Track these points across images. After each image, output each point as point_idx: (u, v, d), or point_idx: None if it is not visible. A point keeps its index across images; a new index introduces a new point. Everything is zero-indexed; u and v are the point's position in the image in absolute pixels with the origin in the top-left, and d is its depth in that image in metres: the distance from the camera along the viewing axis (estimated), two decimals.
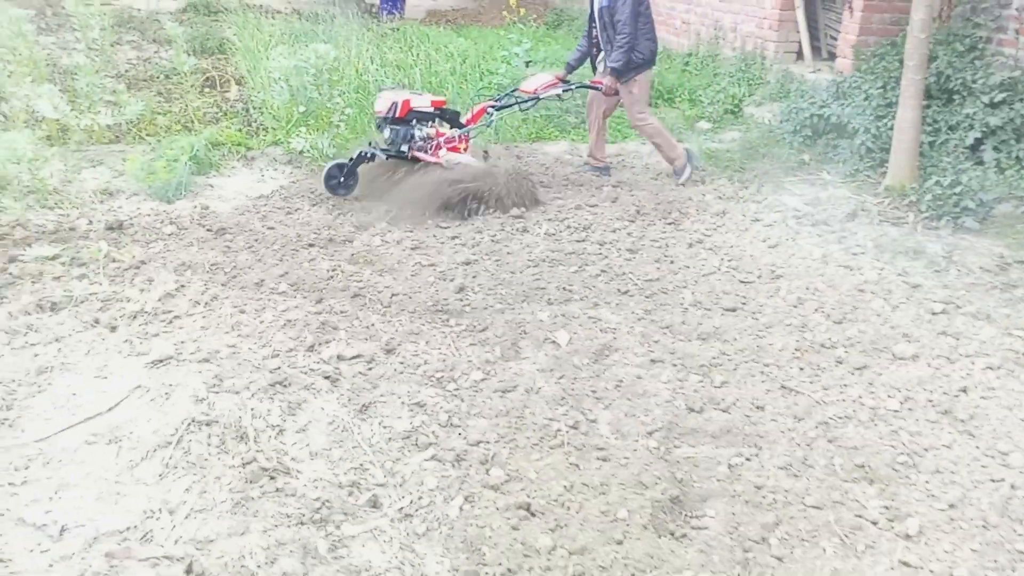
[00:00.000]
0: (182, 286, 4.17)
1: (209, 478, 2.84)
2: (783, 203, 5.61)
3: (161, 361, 3.53)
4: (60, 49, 8.63)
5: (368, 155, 5.51)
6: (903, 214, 5.32)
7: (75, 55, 7.36)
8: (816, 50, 8.41)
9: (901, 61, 5.78)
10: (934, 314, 4.11)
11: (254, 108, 7.26)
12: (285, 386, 3.38)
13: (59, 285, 4.09)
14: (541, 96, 5.94)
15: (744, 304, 4.21)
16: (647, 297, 4.29)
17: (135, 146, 6.26)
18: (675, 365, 3.65)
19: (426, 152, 5.53)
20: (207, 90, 7.85)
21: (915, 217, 5.25)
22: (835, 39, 8.01)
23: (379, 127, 5.62)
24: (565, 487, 2.84)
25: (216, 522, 2.64)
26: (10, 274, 4.17)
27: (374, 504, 2.76)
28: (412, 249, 4.84)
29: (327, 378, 3.46)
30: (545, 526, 2.66)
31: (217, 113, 7.23)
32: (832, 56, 8.12)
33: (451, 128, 5.69)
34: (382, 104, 5.55)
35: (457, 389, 3.44)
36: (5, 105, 6.68)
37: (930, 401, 3.39)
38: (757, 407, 3.34)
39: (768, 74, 8.18)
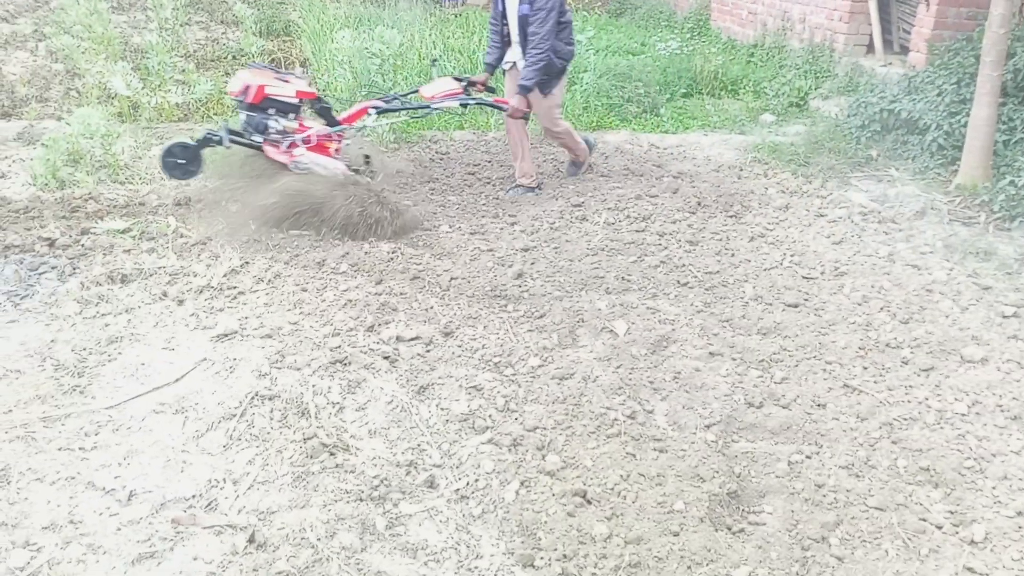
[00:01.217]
0: (246, 263, 4.25)
1: (271, 451, 2.89)
2: (849, 199, 5.49)
3: (226, 335, 3.60)
4: (132, 28, 8.83)
5: (217, 139, 4.69)
6: (974, 214, 5.17)
7: (147, 34, 7.52)
8: (888, 43, 8.20)
9: (977, 57, 5.60)
10: (1005, 317, 3.99)
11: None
12: (345, 364, 3.43)
13: (129, 258, 4.19)
14: (434, 107, 5.25)
15: (806, 300, 4.14)
16: (707, 290, 4.25)
17: (202, 124, 6.38)
18: (734, 359, 3.60)
19: (278, 147, 4.74)
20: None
21: (987, 217, 5.10)
22: (908, 33, 7.79)
23: (238, 109, 4.91)
24: (621, 476, 2.83)
25: (278, 494, 2.69)
26: (82, 246, 4.29)
27: (431, 484, 2.79)
28: (471, 234, 4.85)
29: (386, 358, 3.50)
30: (601, 514, 2.66)
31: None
32: (904, 50, 7.91)
33: (325, 124, 4.96)
34: (235, 84, 4.77)
35: (514, 374, 3.45)
36: (79, 81, 6.88)
37: (999, 406, 3.30)
38: (818, 405, 3.29)
39: (836, 67, 8.00)
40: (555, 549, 2.51)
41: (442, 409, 3.20)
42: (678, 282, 4.32)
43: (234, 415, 3.07)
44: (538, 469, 2.87)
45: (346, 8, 9.85)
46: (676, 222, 5.09)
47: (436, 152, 6.33)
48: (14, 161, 5.44)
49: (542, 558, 2.48)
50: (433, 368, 3.46)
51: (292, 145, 4.74)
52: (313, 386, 3.26)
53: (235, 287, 4.01)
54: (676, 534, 2.57)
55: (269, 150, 4.71)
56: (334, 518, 2.59)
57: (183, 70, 6.87)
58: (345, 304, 3.90)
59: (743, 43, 9.70)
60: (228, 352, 3.48)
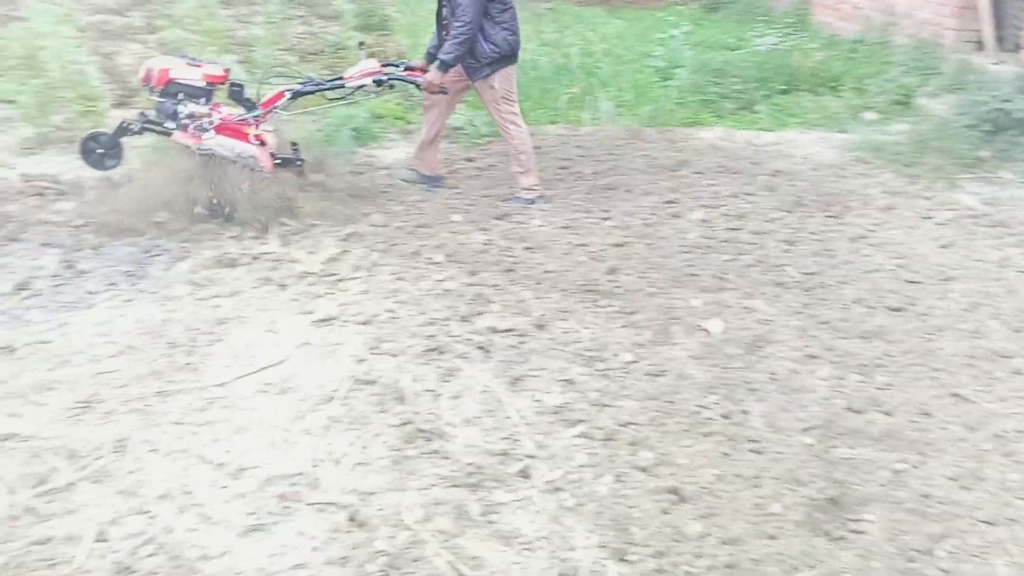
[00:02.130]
0: (345, 251, 4.36)
1: (369, 435, 2.97)
2: (957, 201, 5.29)
3: (325, 321, 3.70)
4: (237, 22, 9.13)
5: (133, 127, 4.65)
6: None
7: (252, 28, 7.76)
8: (1000, 40, 7.84)
9: None
10: None
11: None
12: (440, 353, 3.49)
13: (236, 244, 4.35)
14: (348, 85, 5.02)
15: (911, 305, 4.01)
16: (805, 291, 4.15)
17: (301, 116, 6.55)
18: (834, 362, 3.52)
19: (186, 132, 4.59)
20: None
21: None
22: (1022, 30, 7.44)
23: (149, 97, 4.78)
24: (716, 476, 2.80)
25: (376, 476, 2.76)
26: (193, 232, 4.46)
27: (524, 474, 2.82)
28: (563, 228, 4.86)
29: (480, 348, 3.54)
30: (696, 512, 2.64)
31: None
32: (1018, 47, 7.55)
33: (245, 110, 4.79)
34: (142, 71, 4.68)
35: (607, 369, 3.45)
36: None
37: None
38: (924, 413, 3.18)
39: (944, 64, 7.69)
40: (648, 545, 2.51)
41: (535, 401, 3.22)
42: (775, 282, 4.24)
43: (333, 398, 3.16)
44: (631, 464, 2.86)
45: None
46: (773, 221, 4.99)
47: None
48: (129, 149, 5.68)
49: (635, 553, 2.48)
50: (526, 360, 3.48)
51: (199, 128, 4.58)
52: (410, 373, 3.33)
53: (334, 274, 4.12)
54: (773, 537, 2.53)
55: (177, 135, 4.58)
56: (431, 502, 2.64)
57: (285, 63, 7.07)
58: (440, 294, 3.97)
59: (845, 38, 9.42)
60: (328, 337, 3.58)
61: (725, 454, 2.92)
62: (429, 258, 4.33)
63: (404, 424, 3.01)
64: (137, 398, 3.06)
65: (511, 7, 5.04)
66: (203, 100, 4.62)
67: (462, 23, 4.84)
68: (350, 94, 5.13)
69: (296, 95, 4.93)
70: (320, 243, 4.43)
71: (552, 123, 6.90)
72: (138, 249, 4.24)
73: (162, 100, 4.60)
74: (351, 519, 2.54)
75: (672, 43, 7.93)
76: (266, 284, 3.99)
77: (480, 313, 3.81)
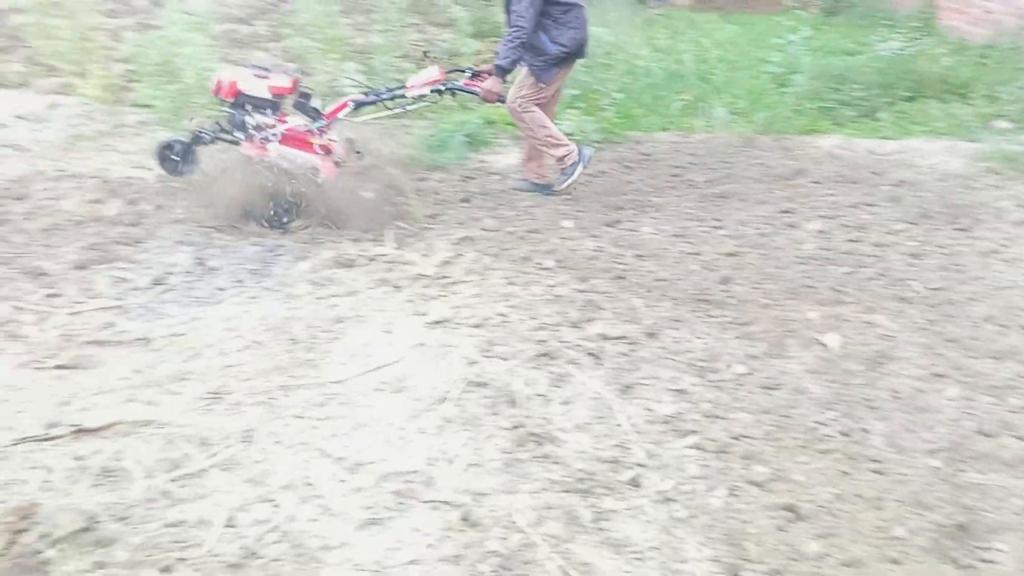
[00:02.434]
0: (458, 255, 4.43)
1: (482, 436, 3.01)
2: None
3: (439, 323, 3.78)
4: (355, 30, 9.41)
5: (205, 137, 4.89)
6: None
7: (371, 36, 7.99)
8: None
9: None
10: None
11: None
12: (551, 358, 3.51)
13: (354, 245, 4.49)
14: (409, 95, 5.06)
15: None
16: (931, 307, 3.98)
17: (417, 121, 6.70)
18: (962, 382, 3.36)
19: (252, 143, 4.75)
20: None
21: None
22: None
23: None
24: (835, 495, 2.72)
25: (488, 478, 2.80)
26: (313, 232, 4.63)
27: (635, 483, 2.80)
28: (675, 236, 4.81)
29: (591, 355, 3.54)
30: (813, 531, 2.57)
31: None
32: None
33: (311, 120, 4.86)
34: (212, 82, 4.84)
35: (719, 380, 3.40)
36: (310, 80, 7.43)
37: None
38: None
39: None
40: (763, 562, 2.45)
41: (647, 409, 3.20)
42: (898, 297, 4.08)
43: (447, 399, 3.22)
44: (745, 479, 2.81)
45: None
46: (896, 233, 4.80)
47: (639, 153, 6.32)
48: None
49: (750, 569, 2.43)
50: (637, 368, 3.47)
51: (264, 140, 4.73)
52: (521, 377, 3.36)
53: (447, 277, 4.20)
54: (897, 562, 2.44)
55: (244, 146, 4.73)
56: (542, 506, 2.66)
57: (401, 70, 7.25)
58: (551, 299, 3.99)
59: (974, 43, 8.98)
60: (441, 338, 3.65)
61: (844, 473, 2.83)
62: (540, 263, 4.36)
63: (515, 427, 3.04)
64: (262, 391, 3.20)
65: (577, 5, 4.97)
66: (269, 111, 4.76)
67: (516, 27, 4.80)
68: (411, 104, 5.16)
69: (359, 105, 5.00)
70: (434, 246, 4.52)
71: (664, 130, 6.85)
72: (263, 248, 4.42)
73: (232, 111, 4.77)
74: (464, 518, 2.59)
75: (790, 48, 7.73)
76: (382, 285, 4.10)
77: (591, 320, 3.81)
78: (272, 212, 4.63)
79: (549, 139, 5.17)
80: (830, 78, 7.43)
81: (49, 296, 3.81)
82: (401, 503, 2.65)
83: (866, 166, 5.98)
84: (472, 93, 5.13)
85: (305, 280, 4.09)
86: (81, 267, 4.08)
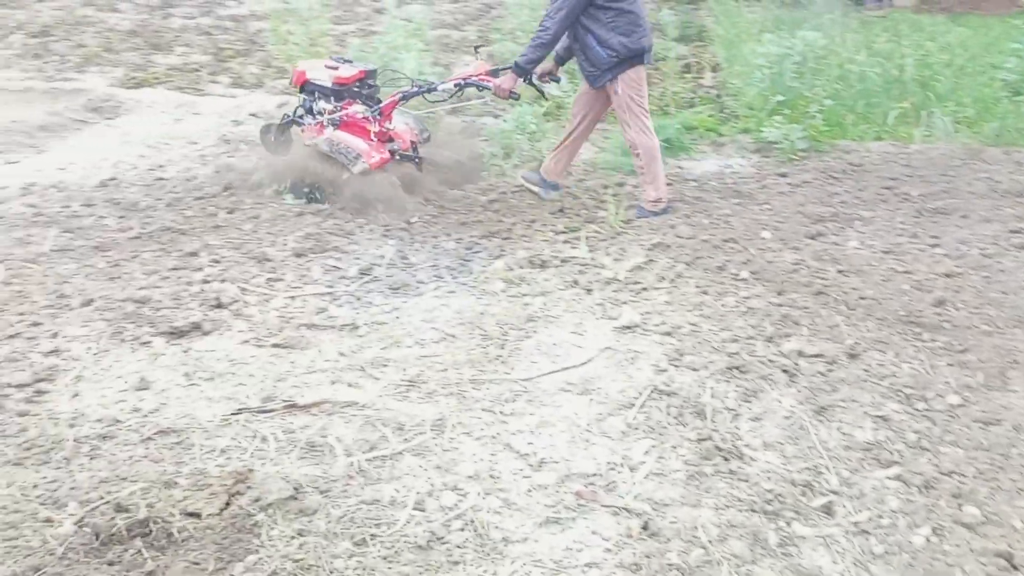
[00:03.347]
0: (651, 260, 4.39)
1: (666, 445, 2.97)
2: None
3: (628, 328, 3.76)
4: None
5: (286, 121, 5.46)
6: None
7: None
8: None
9: None
10: None
11: (728, 95, 7.33)
12: (742, 372, 3.40)
13: (548, 246, 4.56)
14: (437, 87, 5.16)
15: None
16: None
17: (616, 125, 6.70)
18: None
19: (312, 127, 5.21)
20: (685, 76, 8.11)
21: None
22: None
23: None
24: None
25: (671, 488, 2.76)
26: (509, 231, 4.75)
27: (828, 510, 2.67)
28: (884, 253, 4.52)
29: (785, 372, 3.41)
30: None
31: (692, 98, 7.44)
32: None
33: (367, 108, 5.16)
34: (292, 72, 5.43)
35: (928, 410, 3.16)
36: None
37: None
38: None
39: None
40: None
41: (843, 434, 3.04)
42: None
43: (632, 404, 3.21)
44: (953, 518, 2.60)
45: (761, 13, 9.69)
46: None
47: (848, 163, 5.99)
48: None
49: None
50: (835, 389, 3.29)
51: (320, 125, 5.15)
52: (710, 389, 3.28)
53: (639, 283, 4.17)
54: None
55: (305, 129, 5.24)
56: (726, 523, 2.59)
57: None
58: (745, 311, 3.87)
59: None
60: (630, 344, 3.64)
61: None
62: (735, 274, 4.24)
63: (702, 440, 2.98)
64: (455, 383, 3.32)
65: (629, 12, 4.74)
66: (332, 99, 5.21)
67: (542, 28, 4.72)
68: (449, 97, 5.29)
69: (405, 97, 5.23)
70: (627, 251, 4.51)
71: (878, 139, 6.46)
72: (461, 245, 4.59)
73: (305, 97, 5.31)
74: (644, 527, 2.57)
75: None
76: (573, 287, 4.14)
77: (787, 335, 3.67)
78: (307, 189, 5.03)
79: (648, 168, 4.97)
80: None
81: (270, 280, 4.16)
82: (581, 504, 2.67)
83: None
84: (485, 88, 5.11)
85: (500, 278, 4.20)
86: (299, 255, 4.41)
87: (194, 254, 4.39)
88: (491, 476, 2.81)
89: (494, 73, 5.05)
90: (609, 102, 5.03)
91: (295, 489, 2.69)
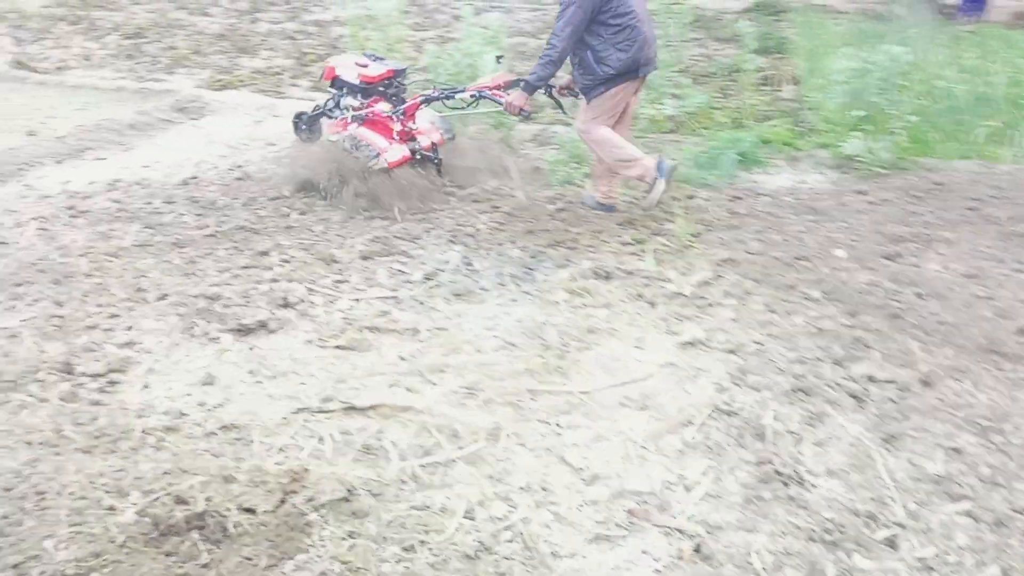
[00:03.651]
0: (718, 276, 4.31)
1: (724, 467, 2.91)
2: None
3: (691, 344, 3.70)
4: None
5: (316, 113, 5.71)
6: None
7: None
8: None
9: None
10: None
11: (807, 109, 7.16)
12: (808, 395, 3.31)
13: (613, 258, 4.52)
14: (456, 96, 5.25)
15: None
16: None
17: (689, 137, 6.62)
18: None
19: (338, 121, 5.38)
20: (762, 88, 7.96)
21: None
22: None
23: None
24: None
25: (726, 511, 2.69)
26: (575, 240, 4.72)
27: (891, 543, 2.57)
28: (966, 277, 4.34)
29: (853, 396, 3.30)
30: None
31: (769, 111, 7.30)
32: None
33: (391, 107, 5.32)
34: (324, 67, 5.69)
35: (1005, 444, 3.02)
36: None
37: None
38: None
39: None
40: None
41: (912, 464, 2.92)
42: None
43: (691, 423, 3.15)
44: None
45: (845, 25, 9.46)
46: None
47: (931, 182, 5.77)
48: (528, 159, 6.18)
49: None
50: (906, 417, 3.17)
51: (345, 121, 5.30)
52: (773, 411, 3.20)
53: (704, 298, 4.10)
54: None
55: (328, 123, 5.46)
56: (782, 551, 2.52)
57: (678, 84, 7.20)
58: (814, 332, 3.76)
59: None
60: (692, 360, 3.58)
61: None
62: (805, 293, 4.13)
63: (761, 463, 2.90)
64: (512, 392, 3.31)
65: (630, 26, 4.72)
66: (359, 95, 5.39)
67: (550, 46, 4.75)
68: (467, 106, 5.39)
69: (426, 101, 5.33)
70: (694, 265, 4.43)
71: (964, 158, 6.21)
72: (526, 254, 4.58)
73: (334, 92, 5.55)
74: (697, 549, 2.52)
75: None
76: (637, 300, 4.09)
77: (857, 359, 3.55)
78: (323, 183, 5.15)
79: (620, 161, 4.95)
80: None
81: (337, 282, 4.22)
82: (633, 523, 2.63)
83: None
84: (497, 103, 5.12)
85: (563, 288, 4.18)
86: (366, 257, 4.47)
87: (265, 253, 4.49)
88: (543, 488, 2.79)
89: (513, 84, 5.12)
90: (627, 117, 5.11)
91: (348, 491, 2.72)
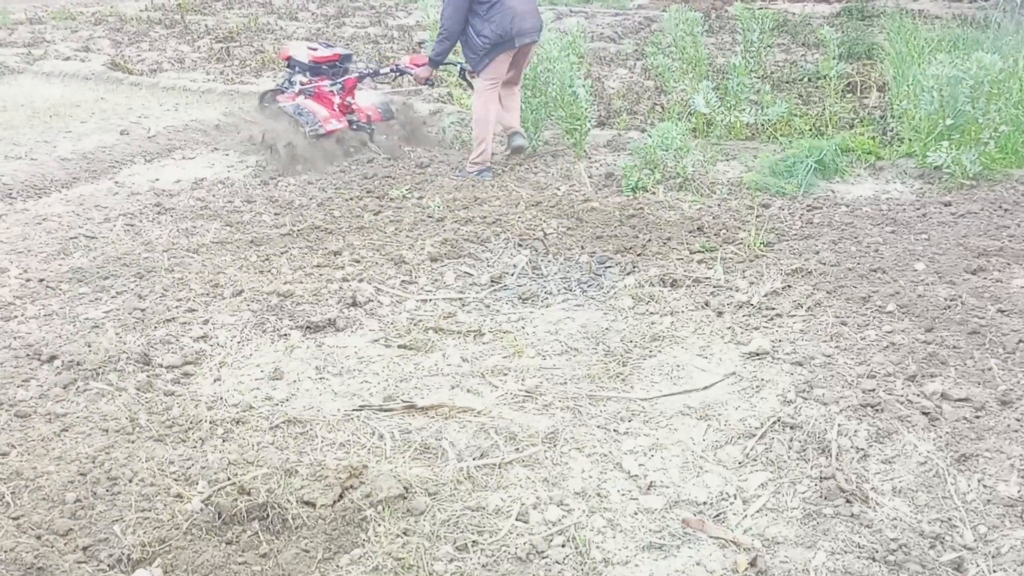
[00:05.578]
0: (788, 286, 4.22)
1: (784, 481, 2.85)
2: None
3: (757, 354, 3.63)
4: (717, 49, 9.37)
5: (277, 89, 6.77)
6: None
7: (731, 56, 7.90)
8: None
9: None
10: None
11: (893, 117, 6.94)
12: (877, 410, 3.21)
13: (681, 265, 4.47)
14: (380, 71, 6.66)
15: None
16: None
17: (767, 144, 6.50)
18: None
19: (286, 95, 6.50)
20: (847, 95, 7.75)
21: None
22: None
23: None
24: None
25: (784, 526, 2.64)
26: (643, 247, 4.69)
27: (958, 567, 2.48)
28: None
29: (925, 414, 3.19)
30: None
31: (853, 119, 7.10)
32: None
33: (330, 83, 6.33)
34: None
35: None
36: (665, 98, 7.54)
37: None
38: None
39: None
40: None
41: (984, 486, 2.81)
42: None
43: (753, 434, 3.09)
44: None
45: (939, 31, 9.11)
46: None
47: (1021, 194, 5.51)
48: (601, 164, 6.17)
49: None
50: (980, 438, 3.05)
51: (296, 94, 6.39)
52: (838, 425, 3.12)
53: (773, 308, 4.02)
54: None
55: (281, 96, 6.50)
56: (841, 569, 2.45)
57: (758, 91, 7.07)
58: (886, 347, 3.65)
59: None
60: (757, 371, 3.51)
61: None
62: (880, 306, 4.01)
63: (824, 478, 2.83)
64: (572, 396, 3.32)
65: (499, 2, 5.52)
66: (308, 73, 6.42)
67: (441, 27, 5.71)
68: (393, 79, 6.88)
69: (360, 77, 6.49)
70: (763, 275, 4.35)
71: None
72: (593, 259, 4.57)
73: (289, 71, 6.62)
74: (752, 563, 2.47)
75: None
76: (703, 309, 4.04)
77: (932, 375, 3.43)
78: (271, 145, 6.08)
79: (477, 140, 5.85)
80: None
81: (405, 283, 4.30)
82: (688, 533, 2.60)
83: None
84: (409, 74, 6.36)
85: (629, 294, 4.16)
86: (435, 259, 4.54)
87: (337, 253, 4.60)
88: (598, 495, 2.79)
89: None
90: (516, 67, 5.90)
91: (405, 488, 2.76)
